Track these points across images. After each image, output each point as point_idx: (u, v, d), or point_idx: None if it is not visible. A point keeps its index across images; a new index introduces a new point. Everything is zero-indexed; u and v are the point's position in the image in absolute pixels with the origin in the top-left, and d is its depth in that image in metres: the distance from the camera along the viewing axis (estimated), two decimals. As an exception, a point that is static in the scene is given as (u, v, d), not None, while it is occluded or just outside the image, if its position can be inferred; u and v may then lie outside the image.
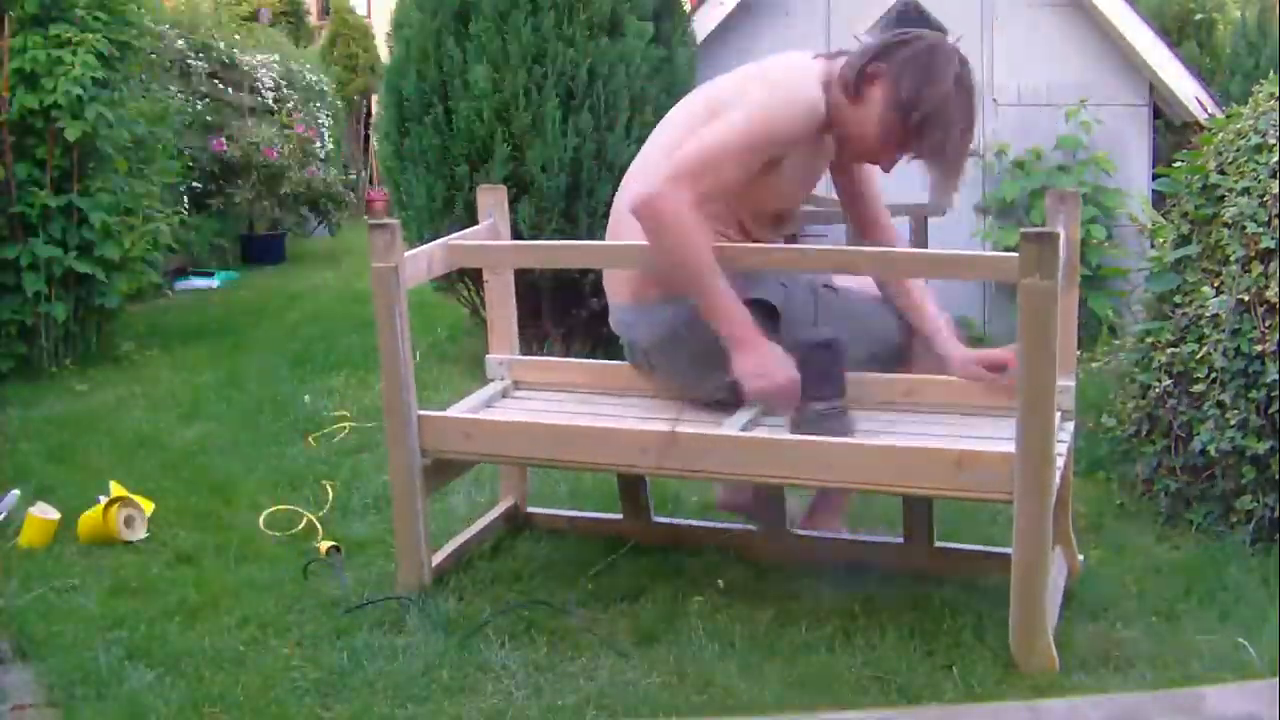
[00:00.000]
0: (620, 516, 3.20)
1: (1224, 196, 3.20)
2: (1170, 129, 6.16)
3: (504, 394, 3.15)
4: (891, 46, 2.70)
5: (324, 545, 3.12)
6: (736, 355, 2.65)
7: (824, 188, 5.64)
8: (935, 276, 2.85)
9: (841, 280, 2.95)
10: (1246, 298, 3.05)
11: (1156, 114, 5.90)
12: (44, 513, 3.24)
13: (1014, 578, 2.45)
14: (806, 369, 2.66)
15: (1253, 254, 3.06)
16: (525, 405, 3.09)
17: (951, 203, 3.32)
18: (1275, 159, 3.11)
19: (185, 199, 7.52)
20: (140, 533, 3.26)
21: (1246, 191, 3.12)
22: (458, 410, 2.98)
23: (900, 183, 4.79)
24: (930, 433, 2.75)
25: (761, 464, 2.61)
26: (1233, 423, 3.04)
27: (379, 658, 2.52)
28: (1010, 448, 2.42)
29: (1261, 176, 3.11)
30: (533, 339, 4.99)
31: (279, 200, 8.80)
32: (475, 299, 5.32)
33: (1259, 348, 3.01)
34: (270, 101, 9.24)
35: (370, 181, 11.96)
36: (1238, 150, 3.24)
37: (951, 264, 2.69)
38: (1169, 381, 3.24)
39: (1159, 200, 4.73)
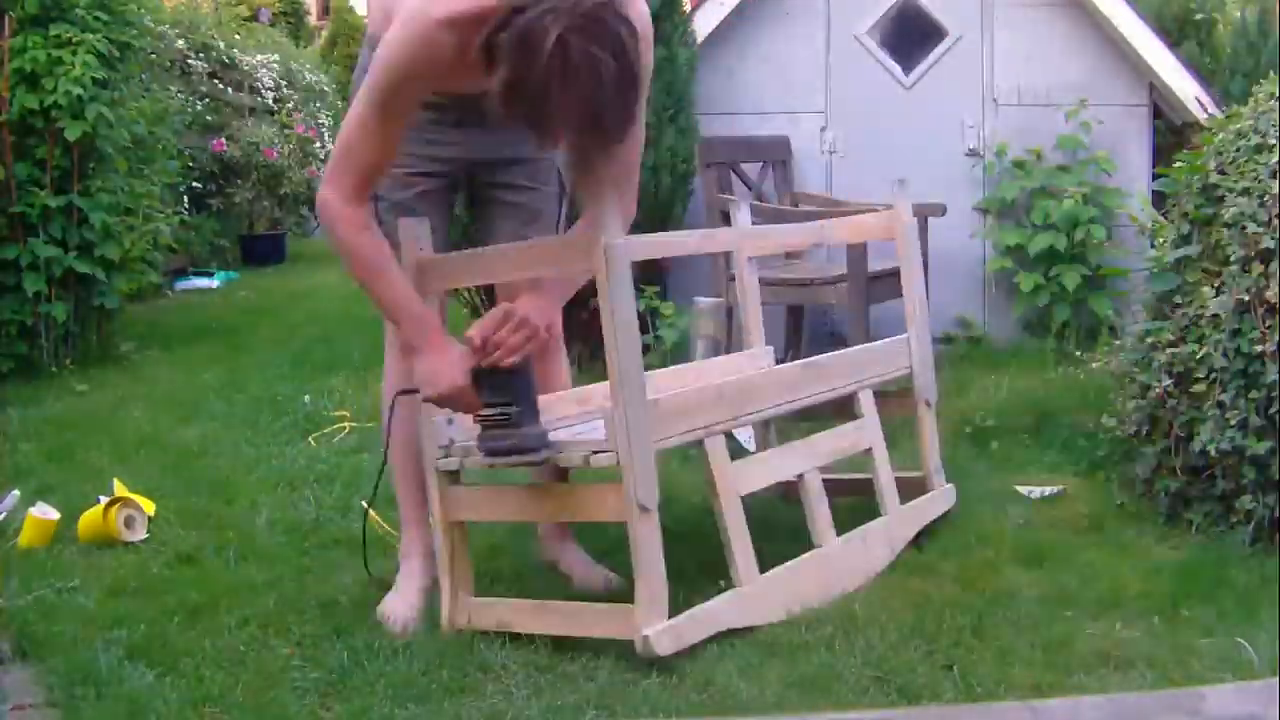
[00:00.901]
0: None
1: (1224, 196, 3.20)
2: (1170, 129, 6.16)
3: None
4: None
5: None
6: (415, 359, 2.49)
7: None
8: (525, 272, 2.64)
9: None
10: (1246, 298, 3.05)
11: (1156, 114, 5.90)
12: (44, 513, 3.24)
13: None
14: (481, 375, 2.47)
15: (1253, 254, 3.06)
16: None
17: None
18: (1275, 159, 3.11)
19: (185, 199, 7.53)
20: (140, 533, 3.26)
21: (1246, 191, 3.12)
22: None
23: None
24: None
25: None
26: (1233, 423, 3.04)
27: (379, 658, 2.52)
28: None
29: (1261, 176, 3.11)
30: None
31: (279, 200, 8.81)
32: (476, 298, 5.32)
33: (1259, 348, 3.01)
34: (270, 101, 9.24)
35: (370, 181, 11.94)
36: (1238, 150, 3.24)
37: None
38: (1169, 381, 3.24)
39: (1159, 200, 4.73)
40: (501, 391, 2.46)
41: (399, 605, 2.75)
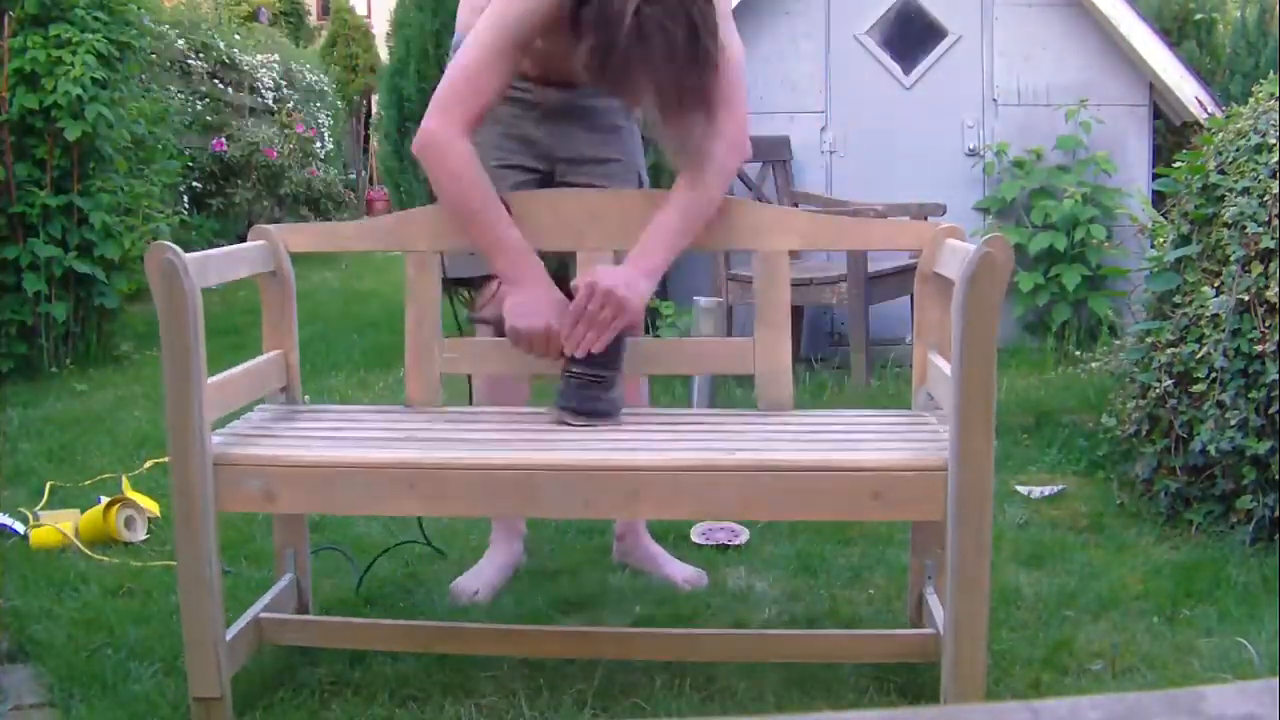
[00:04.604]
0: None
1: (1224, 196, 3.20)
2: (1170, 129, 6.16)
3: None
4: None
5: None
6: (509, 291, 2.43)
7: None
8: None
9: None
10: (1246, 298, 3.05)
11: (1156, 114, 5.90)
12: (57, 520, 3.24)
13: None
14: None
15: (1253, 254, 3.07)
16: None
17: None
18: (1275, 159, 3.11)
19: (185, 199, 7.53)
20: (140, 533, 3.27)
21: (1246, 191, 3.12)
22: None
23: (900, 182, 4.78)
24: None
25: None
26: (1233, 423, 3.04)
27: (379, 658, 2.52)
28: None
29: (1261, 176, 3.11)
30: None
31: (279, 200, 8.81)
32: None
33: (1259, 348, 3.01)
34: (270, 101, 9.25)
35: (370, 181, 11.97)
36: (1238, 150, 3.24)
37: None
38: (1169, 381, 3.24)
39: (1159, 200, 4.73)
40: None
41: (469, 579, 2.84)
